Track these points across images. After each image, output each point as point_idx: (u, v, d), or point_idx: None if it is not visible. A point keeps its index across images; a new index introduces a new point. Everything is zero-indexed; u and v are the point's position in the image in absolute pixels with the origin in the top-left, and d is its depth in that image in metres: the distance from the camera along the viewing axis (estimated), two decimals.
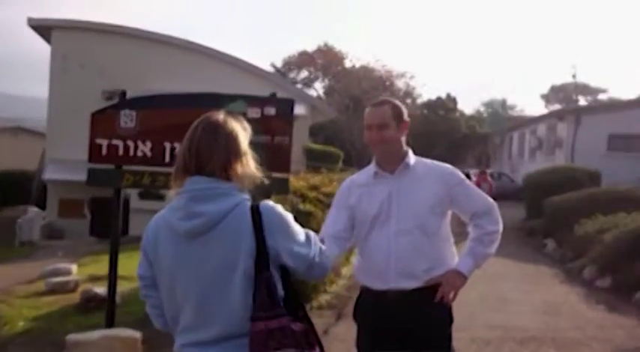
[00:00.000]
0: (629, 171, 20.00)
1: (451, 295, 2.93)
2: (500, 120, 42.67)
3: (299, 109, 21.46)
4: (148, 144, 5.62)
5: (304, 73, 44.10)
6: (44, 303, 8.19)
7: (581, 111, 26.79)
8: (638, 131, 22.82)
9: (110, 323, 5.79)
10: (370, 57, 73.03)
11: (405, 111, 3.04)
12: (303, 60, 43.13)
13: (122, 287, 8.09)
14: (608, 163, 20.62)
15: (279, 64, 43.41)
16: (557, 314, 7.70)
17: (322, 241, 2.26)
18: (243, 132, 2.11)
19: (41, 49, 25.19)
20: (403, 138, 3.03)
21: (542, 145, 27.94)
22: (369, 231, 2.99)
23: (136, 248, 2.45)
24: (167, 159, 5.50)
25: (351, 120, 32.88)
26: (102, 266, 9.15)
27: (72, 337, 5.26)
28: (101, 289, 7.48)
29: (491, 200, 3.10)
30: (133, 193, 17.47)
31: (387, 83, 42.06)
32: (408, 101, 42.94)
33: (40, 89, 27.01)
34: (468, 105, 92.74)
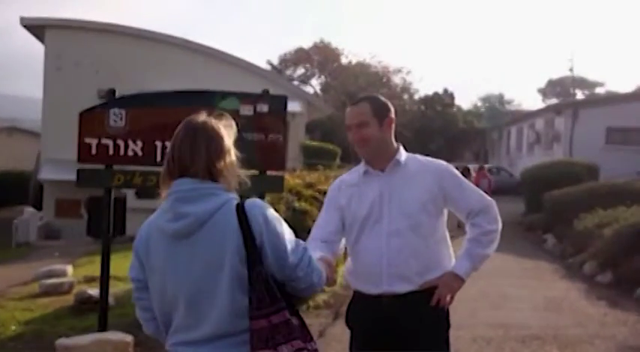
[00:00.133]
0: (628, 165, 20.01)
1: (447, 298, 2.80)
2: (497, 114, 42.68)
3: (296, 106, 21.40)
4: (139, 143, 5.50)
5: (301, 70, 44.02)
6: (38, 306, 8.08)
7: (578, 105, 26.82)
8: (636, 124, 22.85)
9: (103, 327, 5.67)
10: (366, 53, 72.98)
11: (390, 107, 2.88)
12: (299, 57, 43.03)
13: (117, 288, 8.00)
14: (606, 157, 20.63)
15: (275, 61, 43.35)
16: (559, 310, 7.61)
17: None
18: (225, 131, 2.10)
19: (36, 48, 25.04)
20: (390, 135, 2.87)
21: (540, 139, 27.91)
22: (359, 233, 2.85)
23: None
24: (158, 158, 5.38)
25: None
26: (98, 267, 8.92)
27: (62, 342, 5.15)
28: (95, 291, 7.36)
29: (488, 198, 2.95)
30: (129, 192, 17.36)
31: (384, 79, 41.98)
32: (405, 97, 42.91)
33: (36, 89, 26.92)
34: (466, 100, 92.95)
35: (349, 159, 28.01)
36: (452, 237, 2.98)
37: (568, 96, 44.57)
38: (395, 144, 2.90)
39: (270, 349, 1.92)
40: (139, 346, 5.56)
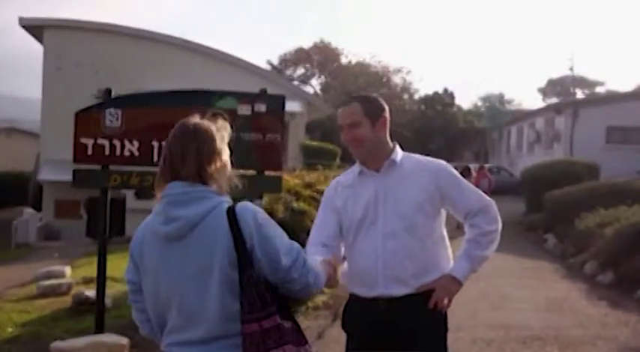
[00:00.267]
0: (628, 164, 19.99)
1: (445, 301, 2.73)
2: (498, 114, 42.59)
3: (295, 106, 21.35)
4: (135, 143, 5.46)
5: (301, 70, 44.00)
6: (35, 307, 8.04)
7: (578, 104, 26.79)
8: (636, 123, 22.85)
9: (100, 329, 5.62)
10: (366, 53, 72.93)
11: (385, 107, 2.82)
12: (299, 57, 43.03)
13: (114, 289, 7.96)
14: (606, 156, 20.60)
15: (275, 61, 43.31)
16: (560, 311, 7.55)
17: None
18: (219, 133, 2.11)
19: (35, 49, 25.01)
20: (384, 135, 2.81)
21: (540, 139, 27.87)
22: (356, 235, 2.79)
23: None
24: (155, 158, 5.32)
25: None
26: (96, 268, 8.99)
27: (57, 344, 5.11)
28: (93, 292, 7.30)
29: (487, 197, 2.89)
30: (129, 193, 17.32)
31: (384, 79, 41.96)
32: (405, 97, 42.90)
33: (35, 89, 26.89)
34: (466, 99, 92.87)
35: (349, 159, 28.01)
36: (451, 238, 2.92)
37: (568, 96, 44.53)
38: (390, 143, 2.85)
39: None
40: (136, 347, 5.51)
